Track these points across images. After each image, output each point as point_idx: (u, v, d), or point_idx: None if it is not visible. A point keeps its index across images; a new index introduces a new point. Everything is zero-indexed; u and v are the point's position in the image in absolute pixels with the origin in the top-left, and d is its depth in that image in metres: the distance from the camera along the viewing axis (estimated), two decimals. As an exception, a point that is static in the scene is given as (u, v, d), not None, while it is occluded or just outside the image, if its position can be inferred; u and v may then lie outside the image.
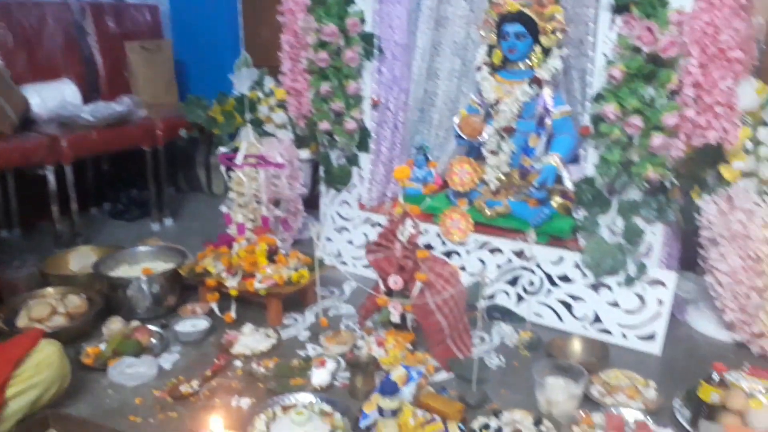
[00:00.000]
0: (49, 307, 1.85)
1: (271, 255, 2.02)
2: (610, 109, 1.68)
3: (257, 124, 2.69)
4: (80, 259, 2.30)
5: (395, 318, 1.73)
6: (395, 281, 1.70)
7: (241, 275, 1.96)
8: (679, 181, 1.75)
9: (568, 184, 1.96)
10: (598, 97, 1.74)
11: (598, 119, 1.75)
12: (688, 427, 1.40)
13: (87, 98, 2.88)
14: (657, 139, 1.64)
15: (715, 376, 1.37)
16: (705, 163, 1.76)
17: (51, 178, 2.48)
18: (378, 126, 2.37)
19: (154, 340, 1.84)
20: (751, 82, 1.74)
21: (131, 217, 3.02)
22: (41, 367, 1.44)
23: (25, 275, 2.30)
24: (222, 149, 2.18)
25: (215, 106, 2.88)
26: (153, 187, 2.88)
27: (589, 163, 1.85)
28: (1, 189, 2.76)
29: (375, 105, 2.32)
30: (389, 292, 1.73)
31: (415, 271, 1.69)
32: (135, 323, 1.89)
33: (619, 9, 1.69)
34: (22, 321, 1.84)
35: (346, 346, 1.78)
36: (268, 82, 2.79)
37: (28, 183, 2.67)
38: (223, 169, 2.16)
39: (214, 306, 1.99)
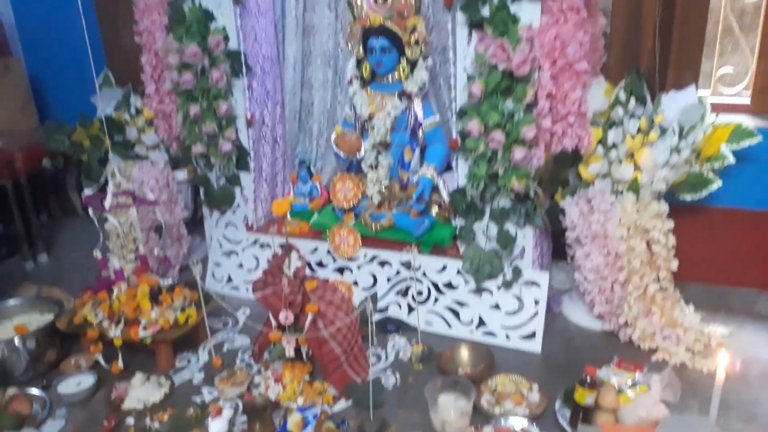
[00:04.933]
0: None
1: (155, 296, 1.94)
2: (474, 125, 1.73)
3: (127, 147, 2.53)
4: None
5: (290, 352, 1.73)
6: (285, 317, 1.69)
7: (124, 322, 1.88)
8: (543, 186, 1.86)
9: (444, 195, 2.03)
10: (462, 113, 1.79)
11: (464, 134, 1.80)
12: (568, 429, 1.51)
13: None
14: (519, 153, 1.71)
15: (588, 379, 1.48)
16: (565, 167, 1.88)
17: None
18: (256, 143, 2.32)
19: (36, 406, 1.73)
20: (600, 84, 1.85)
21: (-1, 258, 2.79)
22: None
23: None
24: (87, 191, 2.04)
25: (79, 130, 2.68)
26: (20, 221, 2.67)
27: (461, 175, 1.91)
28: None
29: (250, 123, 2.26)
30: (282, 327, 1.73)
31: (304, 304, 1.70)
32: (11, 391, 1.76)
33: (474, 25, 1.73)
34: None
35: (243, 386, 1.76)
36: (136, 101, 2.60)
37: None
38: (91, 212, 2.01)
39: (99, 357, 1.90)
